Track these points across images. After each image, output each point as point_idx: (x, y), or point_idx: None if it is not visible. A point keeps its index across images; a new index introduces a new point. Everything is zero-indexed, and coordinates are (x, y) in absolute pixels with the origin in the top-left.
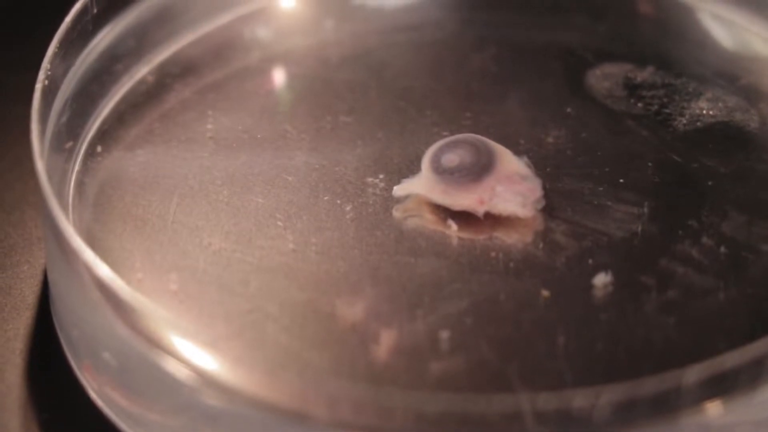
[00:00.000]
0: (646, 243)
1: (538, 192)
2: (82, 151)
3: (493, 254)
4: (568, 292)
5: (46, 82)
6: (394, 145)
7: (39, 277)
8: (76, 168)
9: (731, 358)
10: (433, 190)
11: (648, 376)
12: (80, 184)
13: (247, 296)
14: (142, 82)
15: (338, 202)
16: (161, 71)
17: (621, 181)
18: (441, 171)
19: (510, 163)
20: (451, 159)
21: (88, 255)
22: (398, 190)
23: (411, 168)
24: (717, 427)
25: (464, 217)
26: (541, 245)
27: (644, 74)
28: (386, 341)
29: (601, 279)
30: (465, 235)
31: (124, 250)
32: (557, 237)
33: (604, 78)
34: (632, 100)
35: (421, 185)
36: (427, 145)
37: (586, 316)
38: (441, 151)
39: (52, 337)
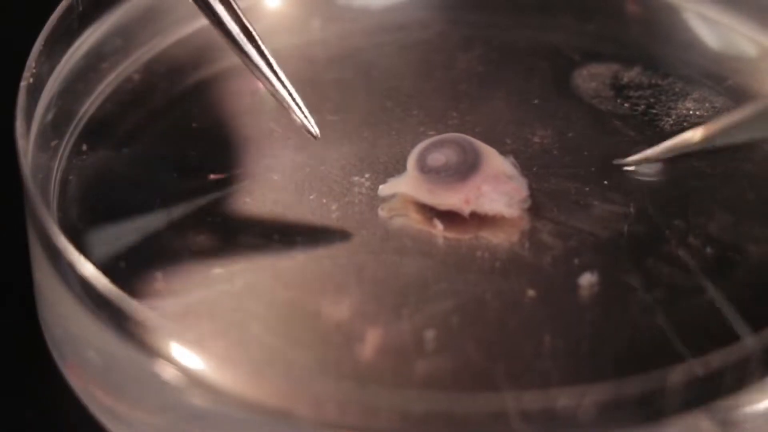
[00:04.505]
0: (632, 243)
1: (523, 192)
2: (68, 150)
3: (479, 254)
4: (553, 292)
5: (32, 80)
6: (380, 145)
7: (26, 276)
8: (62, 166)
9: (717, 359)
10: (418, 189)
11: (634, 375)
12: (65, 183)
13: (233, 295)
14: (128, 80)
15: (324, 201)
16: (147, 70)
17: (606, 181)
18: (427, 170)
19: (496, 162)
20: (437, 158)
21: (72, 253)
22: (384, 189)
23: (397, 167)
24: (703, 426)
25: (450, 217)
26: (527, 245)
27: (631, 74)
28: (372, 340)
29: (587, 279)
30: (451, 234)
31: (108, 249)
32: (543, 237)
33: (591, 78)
34: (619, 101)
35: (406, 184)
36: (414, 144)
37: (572, 316)
38: (427, 150)
39: (37, 336)
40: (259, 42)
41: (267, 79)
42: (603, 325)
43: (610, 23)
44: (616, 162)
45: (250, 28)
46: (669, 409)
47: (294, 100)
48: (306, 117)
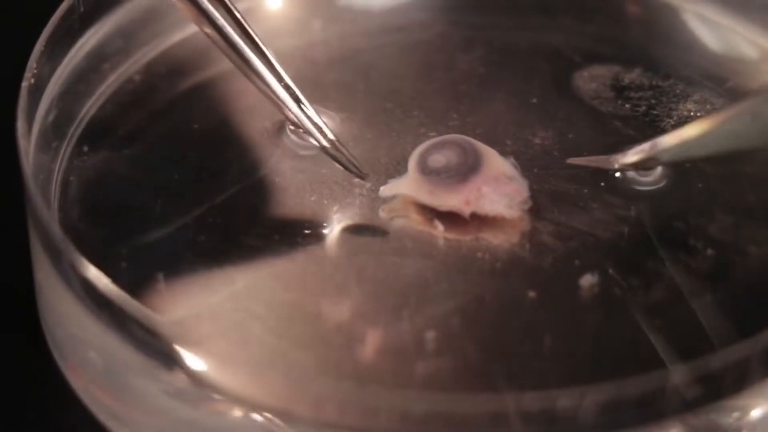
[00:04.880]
0: (632, 244)
1: (524, 193)
2: (69, 150)
3: (479, 255)
4: (554, 293)
5: (33, 80)
6: (381, 146)
7: (26, 276)
8: (63, 167)
9: (717, 360)
10: (419, 190)
11: (634, 376)
12: (66, 183)
13: (233, 296)
14: (129, 81)
15: (325, 202)
16: (148, 71)
17: (607, 182)
18: (427, 171)
19: (496, 163)
20: (438, 159)
21: (73, 254)
22: (385, 191)
23: (398, 169)
24: (703, 427)
25: (451, 218)
26: (527, 246)
27: (632, 76)
28: (372, 341)
29: (588, 280)
30: (451, 235)
31: (109, 250)
32: (544, 238)
33: (592, 79)
34: (620, 102)
35: (407, 185)
36: (414, 146)
37: (573, 317)
38: (428, 151)
39: (37, 336)
40: (307, 105)
41: (314, 137)
42: (603, 326)
43: (611, 24)
44: (570, 161)
45: (295, 89)
46: (669, 411)
47: (341, 152)
48: (353, 163)
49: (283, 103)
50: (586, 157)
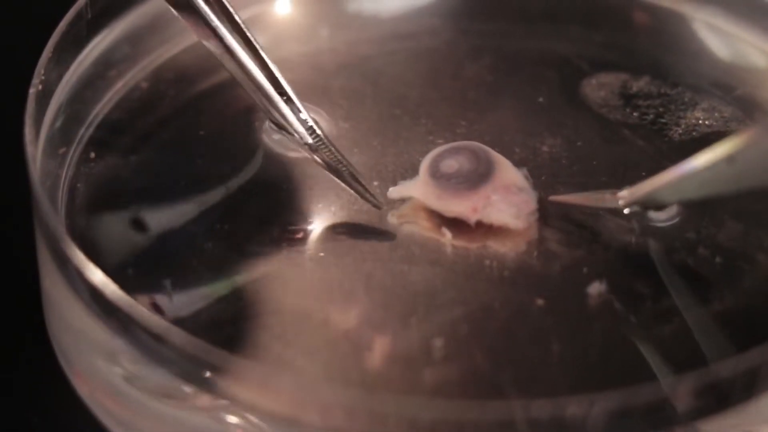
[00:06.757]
0: (640, 252)
1: (532, 205)
2: (76, 157)
3: (487, 262)
4: (562, 300)
5: (40, 87)
6: (388, 153)
7: (33, 282)
8: (70, 173)
9: (726, 367)
10: (428, 194)
11: (642, 384)
12: (73, 190)
13: (240, 303)
14: (136, 88)
15: (332, 209)
16: (155, 77)
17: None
18: (438, 176)
19: (508, 173)
20: (450, 165)
21: (81, 260)
22: (393, 192)
23: (405, 176)
24: None
25: (459, 225)
26: (535, 254)
27: (640, 84)
28: (380, 349)
29: (596, 288)
30: (459, 243)
31: (116, 256)
32: (552, 246)
33: (600, 87)
34: (628, 110)
35: (416, 188)
36: (422, 153)
37: (580, 325)
38: (441, 156)
39: (44, 342)
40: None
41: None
42: (611, 334)
43: (619, 33)
44: (552, 198)
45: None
46: (678, 419)
47: (357, 181)
48: (368, 191)
49: (290, 125)
50: (567, 195)
